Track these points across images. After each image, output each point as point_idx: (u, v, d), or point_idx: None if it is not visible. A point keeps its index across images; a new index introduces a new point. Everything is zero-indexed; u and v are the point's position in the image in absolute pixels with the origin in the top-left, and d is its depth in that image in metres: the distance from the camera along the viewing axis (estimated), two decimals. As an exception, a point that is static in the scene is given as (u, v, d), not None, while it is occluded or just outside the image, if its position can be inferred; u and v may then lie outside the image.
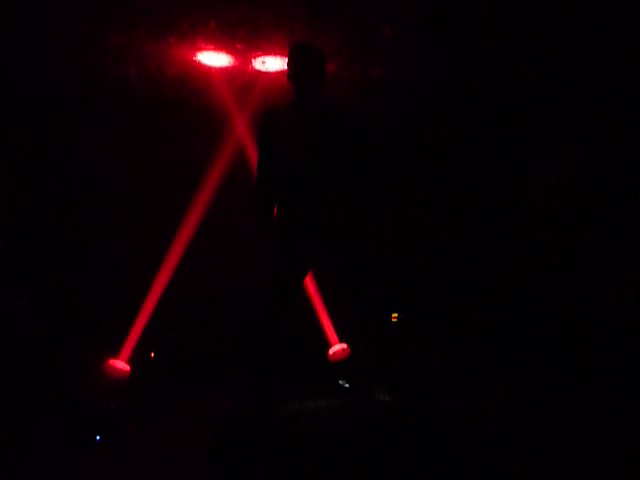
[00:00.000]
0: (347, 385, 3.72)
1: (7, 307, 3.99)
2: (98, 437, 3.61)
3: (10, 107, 4.41)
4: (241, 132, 4.53)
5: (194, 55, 3.75)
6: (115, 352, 4.12)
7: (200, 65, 3.89)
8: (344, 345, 4.39)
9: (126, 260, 4.81)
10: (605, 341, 3.85)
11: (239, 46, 3.64)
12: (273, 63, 3.90)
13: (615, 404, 3.48)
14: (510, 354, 4.45)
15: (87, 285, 4.70)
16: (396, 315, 4.82)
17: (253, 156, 3.43)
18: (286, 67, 2.69)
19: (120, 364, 4.05)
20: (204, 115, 4.84)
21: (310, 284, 4.32)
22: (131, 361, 4.14)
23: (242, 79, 4.12)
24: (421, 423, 2.48)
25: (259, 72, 4.03)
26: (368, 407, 2.61)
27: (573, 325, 4.11)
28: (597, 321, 3.93)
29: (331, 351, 4.42)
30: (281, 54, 3.71)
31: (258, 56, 3.79)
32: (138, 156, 4.79)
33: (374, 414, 2.50)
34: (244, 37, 3.51)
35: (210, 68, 3.97)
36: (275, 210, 2.61)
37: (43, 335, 4.15)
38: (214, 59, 3.84)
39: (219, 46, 3.64)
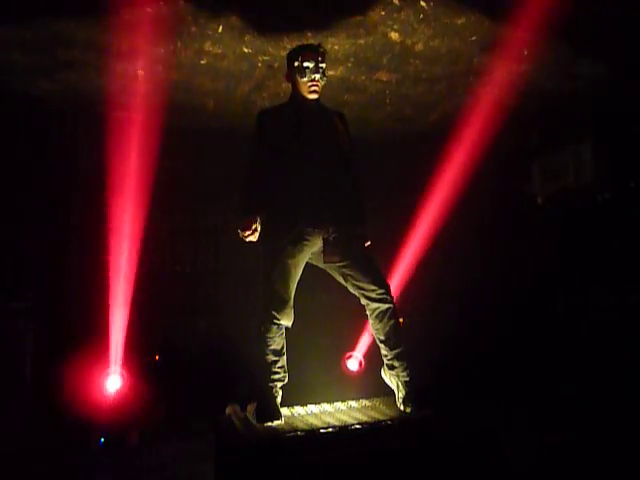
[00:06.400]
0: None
1: (9, 311, 3.99)
2: (102, 440, 3.62)
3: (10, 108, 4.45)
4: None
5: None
6: (112, 360, 4.08)
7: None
8: (358, 353, 4.38)
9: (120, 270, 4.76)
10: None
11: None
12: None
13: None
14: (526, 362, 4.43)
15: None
16: (401, 320, 4.80)
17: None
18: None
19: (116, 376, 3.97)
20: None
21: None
22: (128, 367, 4.08)
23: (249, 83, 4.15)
24: (435, 428, 2.46)
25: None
26: (374, 410, 2.60)
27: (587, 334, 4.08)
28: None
29: (346, 359, 4.42)
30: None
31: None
32: (144, 164, 4.80)
33: (382, 417, 2.49)
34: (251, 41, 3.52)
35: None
36: (259, 218, 2.56)
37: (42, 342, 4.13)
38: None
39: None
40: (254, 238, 2.56)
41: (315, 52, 2.61)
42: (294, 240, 2.55)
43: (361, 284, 2.62)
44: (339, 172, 2.65)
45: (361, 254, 2.65)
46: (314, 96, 2.64)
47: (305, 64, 2.58)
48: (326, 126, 2.67)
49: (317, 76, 2.59)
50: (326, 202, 2.59)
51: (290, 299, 2.60)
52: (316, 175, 2.58)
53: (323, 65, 2.62)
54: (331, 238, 2.57)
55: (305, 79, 2.60)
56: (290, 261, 2.56)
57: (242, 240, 2.57)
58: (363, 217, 2.74)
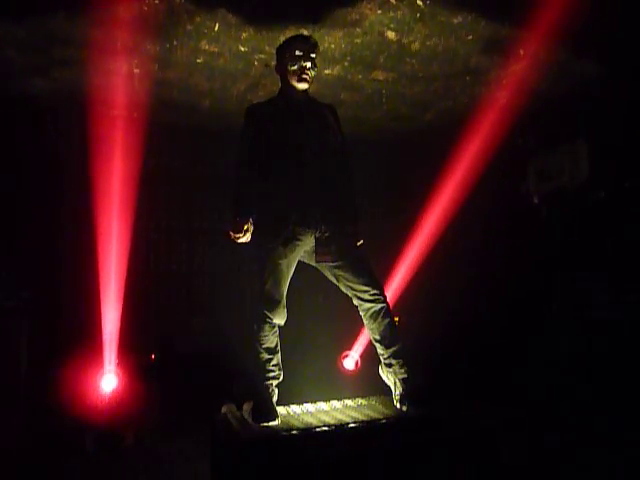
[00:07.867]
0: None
1: (3, 310, 3.96)
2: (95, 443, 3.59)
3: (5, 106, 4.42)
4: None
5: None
6: (107, 360, 4.06)
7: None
8: (354, 352, 4.38)
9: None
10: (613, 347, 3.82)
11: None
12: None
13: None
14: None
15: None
16: (397, 318, 4.81)
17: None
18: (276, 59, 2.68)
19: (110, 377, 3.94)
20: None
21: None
22: (123, 367, 4.06)
23: (245, 82, 4.14)
24: (431, 427, 2.46)
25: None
26: (371, 408, 2.60)
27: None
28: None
29: (342, 358, 4.42)
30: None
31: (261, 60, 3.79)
32: (139, 163, 4.78)
33: (379, 415, 2.49)
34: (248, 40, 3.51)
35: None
36: (251, 219, 2.53)
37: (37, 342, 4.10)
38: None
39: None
40: (246, 240, 2.54)
41: (306, 42, 2.60)
42: (285, 241, 2.53)
43: (353, 285, 2.60)
44: (331, 168, 2.62)
45: (354, 254, 2.63)
46: (304, 85, 2.61)
47: (296, 52, 2.56)
48: (317, 120, 2.64)
49: (308, 64, 2.56)
50: (318, 200, 2.56)
51: (282, 298, 2.58)
52: (307, 172, 2.55)
53: (314, 55, 2.59)
54: (323, 237, 2.56)
55: (295, 67, 2.57)
56: (282, 261, 2.54)
57: (234, 242, 2.55)
58: (355, 215, 2.71)
